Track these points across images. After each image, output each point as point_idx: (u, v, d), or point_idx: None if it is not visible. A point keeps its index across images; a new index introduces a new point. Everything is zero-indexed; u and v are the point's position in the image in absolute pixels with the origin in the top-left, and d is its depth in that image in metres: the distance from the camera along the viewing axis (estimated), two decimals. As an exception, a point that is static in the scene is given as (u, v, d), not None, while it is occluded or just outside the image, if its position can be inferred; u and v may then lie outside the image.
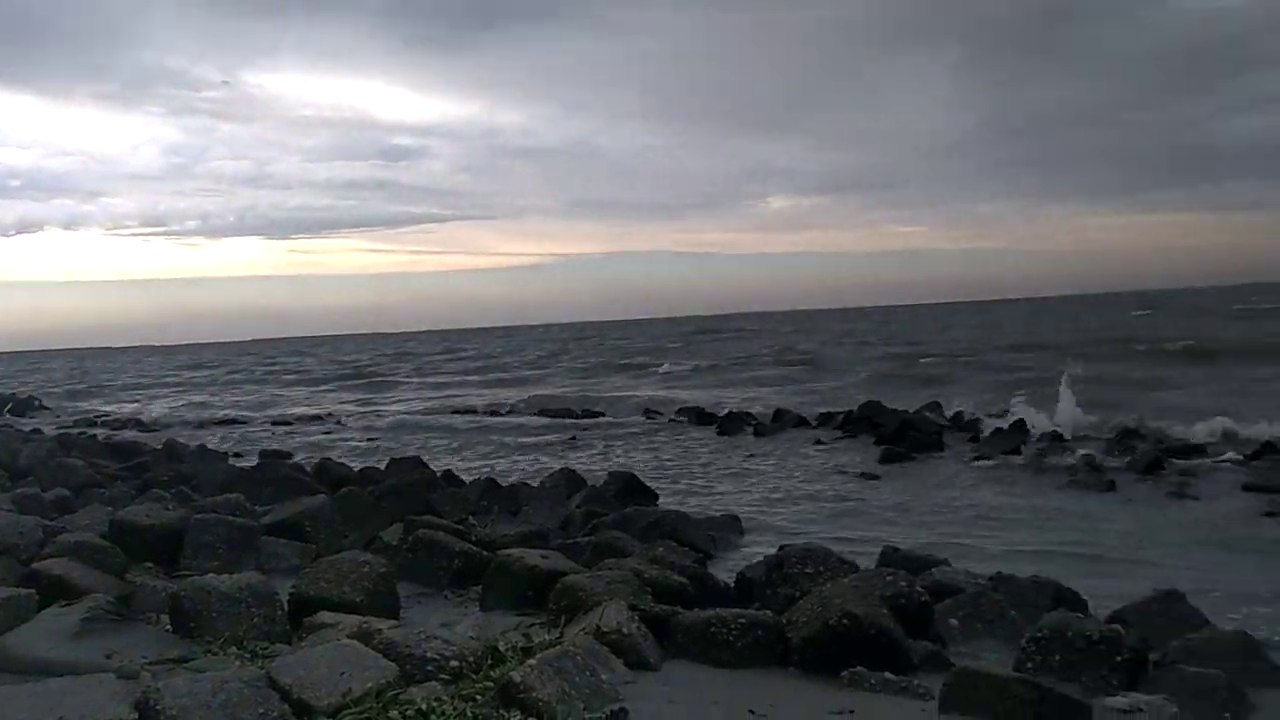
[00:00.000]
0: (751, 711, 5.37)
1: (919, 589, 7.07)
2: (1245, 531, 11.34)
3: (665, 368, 47.15)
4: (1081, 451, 16.54)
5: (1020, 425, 19.90)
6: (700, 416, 25.48)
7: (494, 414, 30.96)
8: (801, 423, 23.40)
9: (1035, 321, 79.43)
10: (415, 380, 51.85)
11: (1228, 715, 5.58)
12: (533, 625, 6.82)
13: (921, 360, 42.19)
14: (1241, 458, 15.77)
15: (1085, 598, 8.01)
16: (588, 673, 5.51)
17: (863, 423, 21.62)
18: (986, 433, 19.53)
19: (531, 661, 5.36)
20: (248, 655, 6.13)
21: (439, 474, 14.99)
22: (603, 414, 28.41)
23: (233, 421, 32.34)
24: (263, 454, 20.92)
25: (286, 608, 6.96)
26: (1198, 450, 16.47)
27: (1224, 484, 14.21)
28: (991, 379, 31.51)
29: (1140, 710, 5.52)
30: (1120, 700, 5.60)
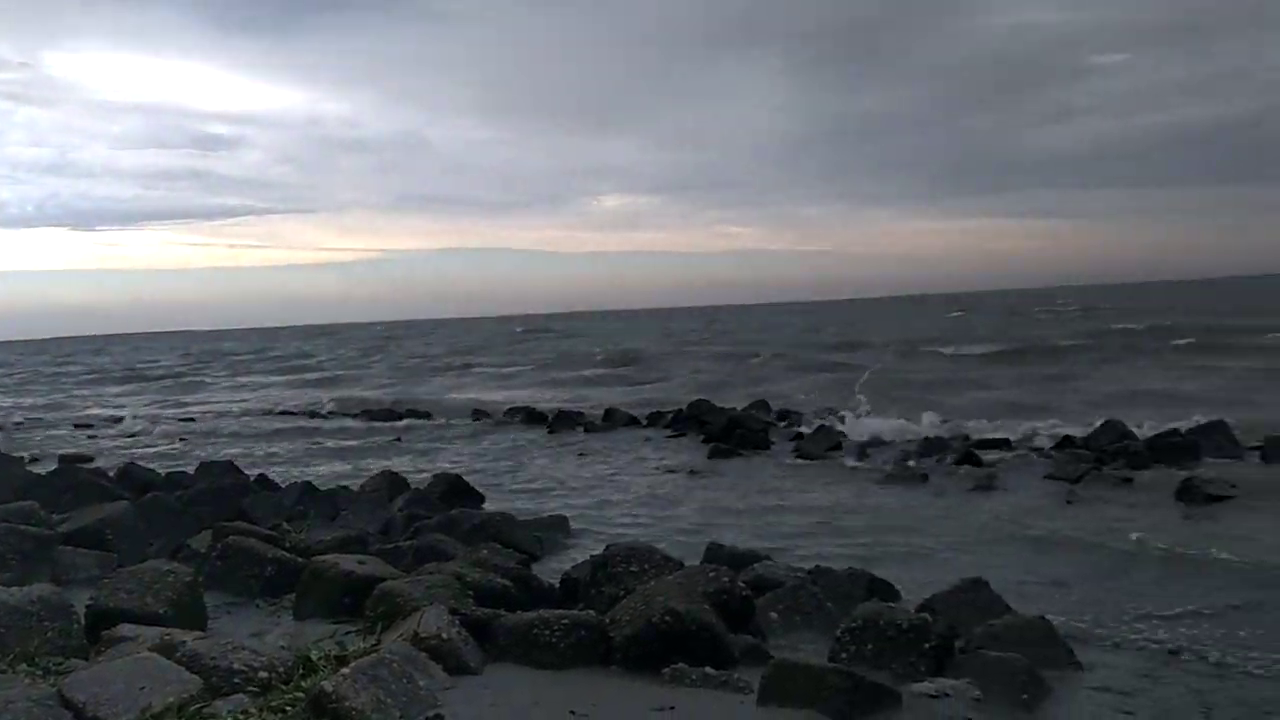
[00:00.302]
0: (572, 712, 5.32)
1: (740, 584, 7.17)
2: (1046, 520, 11.96)
3: (495, 367, 46.74)
4: (898, 448, 17.16)
5: (842, 423, 20.56)
6: (530, 416, 25.34)
7: (314, 415, 30.04)
8: (632, 422, 23.54)
9: (857, 322, 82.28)
10: (228, 381, 49.92)
11: (1025, 696, 5.85)
12: (348, 633, 6.61)
13: (750, 360, 43.11)
14: (1044, 450, 16.65)
15: (898, 588, 8.31)
16: (404, 679, 5.36)
17: (692, 421, 21.92)
18: (810, 430, 20.05)
19: (345, 670, 5.18)
20: (39, 672, 5.71)
21: (253, 478, 14.39)
22: (429, 414, 27.93)
23: (26, 424, 30.35)
24: (61, 459, 19.68)
25: (84, 621, 6.53)
26: (1005, 444, 17.29)
27: (1028, 476, 14.96)
28: (816, 378, 32.42)
29: (946, 695, 5.72)
30: (927, 686, 5.80)
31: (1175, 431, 16.63)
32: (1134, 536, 10.68)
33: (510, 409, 26.83)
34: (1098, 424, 17.32)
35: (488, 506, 13.18)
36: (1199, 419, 17.28)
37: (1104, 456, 15.40)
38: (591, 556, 8.54)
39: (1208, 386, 24.35)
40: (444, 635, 6.12)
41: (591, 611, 6.80)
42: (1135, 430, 16.87)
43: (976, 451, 16.27)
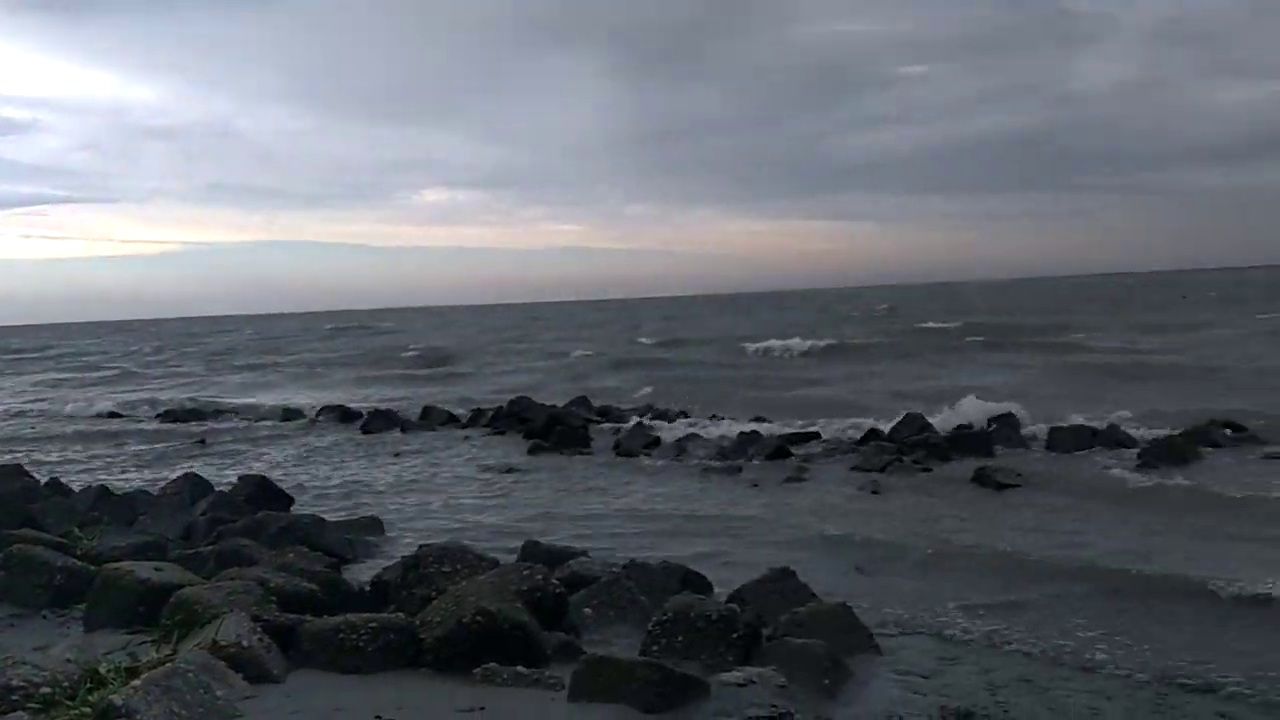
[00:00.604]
0: (378, 716, 5.20)
1: (555, 581, 7.18)
2: (852, 510, 12.44)
3: (308, 365, 45.35)
4: (714, 444, 17.50)
5: (665, 417, 20.84)
6: (345, 415, 24.67)
7: (112, 416, 28.44)
8: (451, 420, 23.22)
9: (678, 319, 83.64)
10: (10, 380, 46.76)
11: (827, 681, 6.05)
12: (143, 644, 6.28)
13: (571, 357, 43.23)
14: (851, 443, 17.28)
15: (711, 579, 8.46)
16: (201, 690, 5.15)
17: (512, 419, 21.78)
18: (630, 427, 20.22)
19: (136, 682, 4.94)
20: None
21: (43, 482, 13.52)
22: (236, 415, 26.86)
23: None
24: None
25: None
26: (815, 438, 17.86)
27: (836, 468, 15.52)
28: (637, 375, 32.76)
29: (753, 682, 5.87)
30: (735, 674, 5.93)
31: (969, 424, 17.56)
32: (931, 525, 11.25)
33: (323, 408, 26.03)
34: (900, 417, 18.08)
35: (297, 509, 12.76)
36: (993, 412, 18.33)
37: (905, 448, 16.11)
38: (403, 558, 8.38)
39: (1003, 381, 25.81)
40: (244, 643, 5.91)
41: (401, 614, 6.68)
42: (934, 423, 17.68)
43: (788, 445, 16.76)
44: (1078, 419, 16.96)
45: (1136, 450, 14.95)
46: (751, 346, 41.23)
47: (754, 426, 18.69)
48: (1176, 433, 15.67)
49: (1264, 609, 7.63)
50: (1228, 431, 16.04)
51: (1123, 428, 16.47)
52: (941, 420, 17.82)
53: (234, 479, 14.24)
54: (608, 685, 5.45)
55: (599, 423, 21.03)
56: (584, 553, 9.24)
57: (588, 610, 7.33)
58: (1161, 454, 14.42)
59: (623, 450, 17.61)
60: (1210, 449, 15.12)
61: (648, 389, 27.32)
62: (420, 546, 8.68)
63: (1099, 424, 16.62)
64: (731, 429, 18.63)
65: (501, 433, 20.87)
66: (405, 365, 44.03)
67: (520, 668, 5.95)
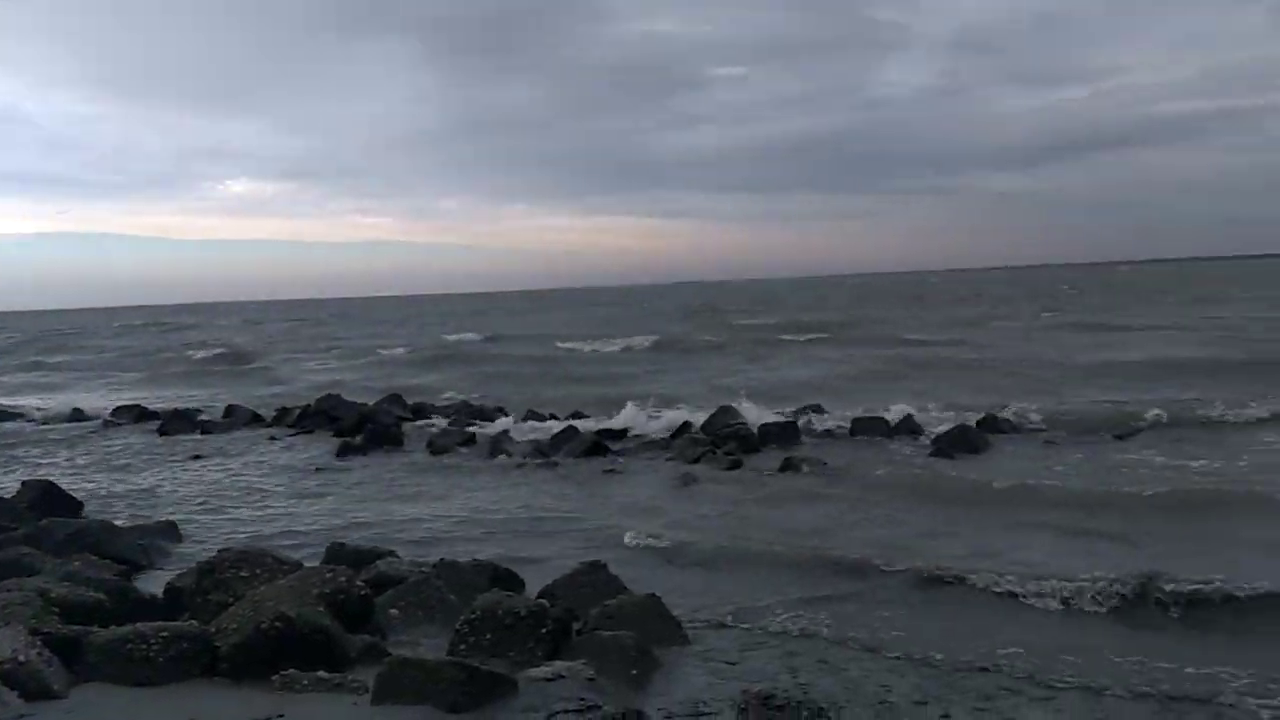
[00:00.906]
0: (168, 730, 4.97)
1: (360, 583, 7.02)
2: (665, 501, 12.63)
3: (103, 366, 42.88)
4: (529, 441, 17.45)
5: (480, 415, 20.63)
6: (140, 416, 23.40)
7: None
8: (255, 419, 22.34)
9: (493, 316, 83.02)
10: None
11: (635, 672, 6.13)
12: (-98, 665, 5.79)
13: (383, 352, 42.35)
14: (666, 438, 17.51)
15: (523, 576, 8.44)
16: (-33, 713, 4.79)
17: (320, 417, 21.11)
18: (445, 425, 19.95)
19: (-109, 709, 4.55)
20: None
21: None
22: (21, 416, 25.12)
23: None
24: None
25: None
26: (629, 433, 18.02)
27: (650, 461, 15.73)
28: (453, 372, 32.38)
29: (562, 677, 5.88)
30: (544, 670, 5.93)
31: (780, 413, 18.10)
32: (741, 517, 11.54)
33: (117, 409, 24.62)
34: (713, 410, 18.45)
35: (86, 515, 12.04)
36: (803, 404, 18.98)
37: (718, 440, 16.47)
38: (199, 563, 8.02)
39: (814, 374, 26.74)
40: (21, 658, 5.54)
41: (195, 622, 6.41)
42: (746, 415, 18.11)
43: (603, 441, 16.87)
44: (879, 410, 17.74)
45: (931, 438, 15.77)
46: (567, 344, 41.32)
47: (570, 423, 18.75)
48: (968, 422, 16.53)
49: (1015, 601, 8.02)
50: (1012, 420, 17.08)
51: (918, 418, 17.29)
52: (754, 413, 18.28)
53: (16, 485, 13.34)
54: (412, 686, 5.36)
55: (412, 420, 20.67)
56: (392, 553, 9.07)
57: (394, 611, 7.20)
58: (953, 442, 15.25)
59: (436, 448, 17.35)
60: (998, 436, 16.08)
61: (463, 386, 27.04)
62: (219, 551, 8.32)
63: (899, 414, 17.40)
64: (547, 426, 18.63)
65: (309, 432, 20.23)
66: (206, 363, 42.18)
67: (322, 672, 5.79)
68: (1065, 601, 7.79)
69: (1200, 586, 7.63)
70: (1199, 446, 14.56)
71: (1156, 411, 16.88)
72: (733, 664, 6.80)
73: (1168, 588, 7.67)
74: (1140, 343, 31.41)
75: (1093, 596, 7.76)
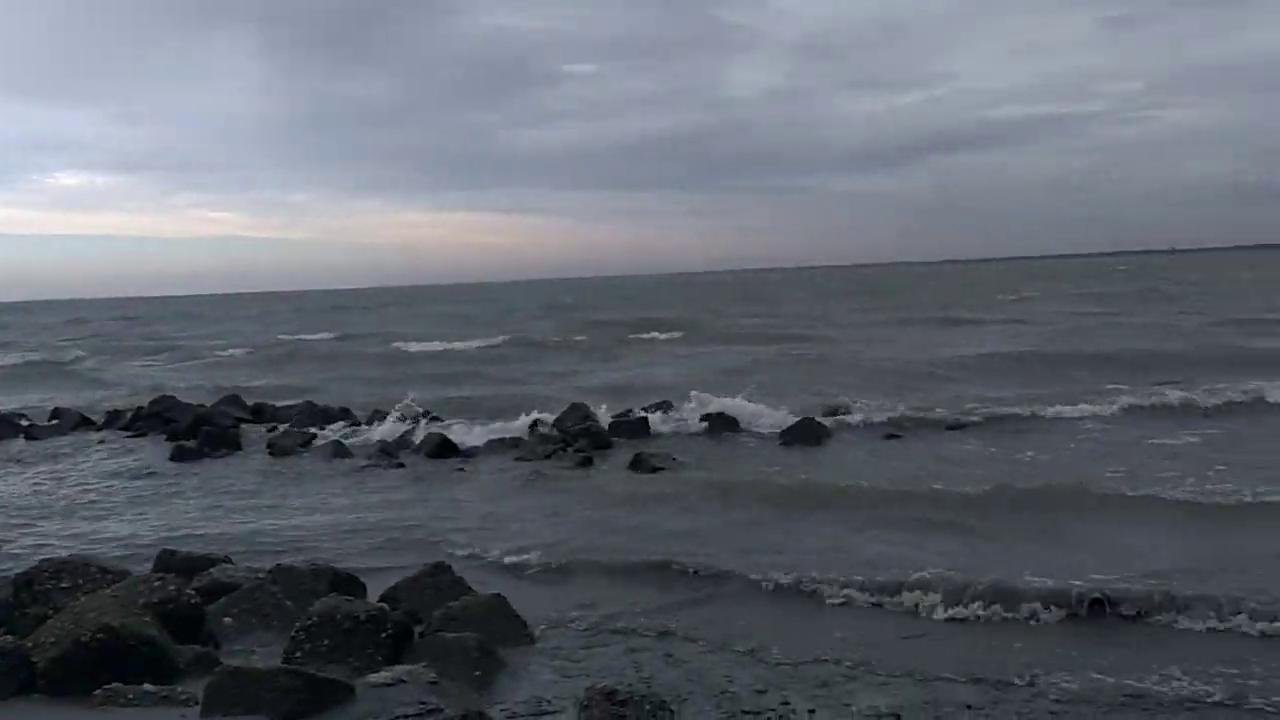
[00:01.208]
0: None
1: (190, 591, 6.77)
2: (512, 500, 12.55)
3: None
4: (375, 441, 17.11)
5: (325, 416, 20.08)
6: (-44, 421, 22.00)
7: None
8: (85, 423, 21.24)
9: (345, 314, 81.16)
10: None
11: (478, 673, 6.07)
12: None
13: (223, 352, 40.95)
14: (516, 436, 17.36)
15: (364, 580, 8.25)
16: None
17: (154, 420, 20.23)
18: (286, 426, 19.37)
19: None
20: None
21: None
22: None
23: None
24: None
25: None
26: (480, 431, 17.80)
27: (500, 460, 15.58)
28: (298, 372, 31.52)
29: (402, 681, 5.77)
30: (384, 675, 5.80)
31: (630, 410, 18.21)
32: (580, 512, 11.55)
33: (-73, 414, 23.08)
34: (564, 409, 18.43)
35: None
36: (655, 400, 19.13)
37: (570, 437, 16.45)
38: (15, 575, 7.58)
39: (668, 371, 26.96)
40: None
41: (11, 636, 6.05)
42: (598, 412, 18.14)
43: (452, 439, 16.66)
44: (730, 404, 17.97)
45: (779, 433, 16.11)
46: (419, 344, 40.61)
47: (418, 424, 18.46)
48: (813, 416, 16.91)
49: (851, 599, 8.19)
50: (850, 414, 17.55)
51: (765, 415, 17.53)
52: (606, 409, 18.33)
53: None
54: (244, 696, 5.19)
55: (252, 423, 20.00)
56: (227, 559, 8.77)
57: (228, 620, 6.96)
58: (799, 437, 15.66)
59: (277, 451, 16.84)
60: (841, 430, 16.52)
61: (308, 387, 26.30)
62: (40, 561, 7.88)
63: (747, 410, 17.63)
64: (395, 427, 18.29)
65: (142, 434, 19.37)
66: (30, 365, 39.91)
67: (148, 685, 5.55)
68: (902, 601, 7.90)
69: (1033, 585, 7.83)
70: (1028, 438, 15.23)
71: (988, 406, 17.61)
72: (578, 662, 6.80)
73: (984, 583, 7.83)
74: (977, 338, 32.80)
75: (928, 596, 7.89)
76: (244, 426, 19.23)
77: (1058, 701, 6.01)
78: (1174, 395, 17.66)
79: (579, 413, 17.90)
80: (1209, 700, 5.95)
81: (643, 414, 17.93)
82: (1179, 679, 6.21)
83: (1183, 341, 28.25)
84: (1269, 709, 5.82)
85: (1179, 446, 14.04)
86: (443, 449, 16.22)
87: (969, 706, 6.00)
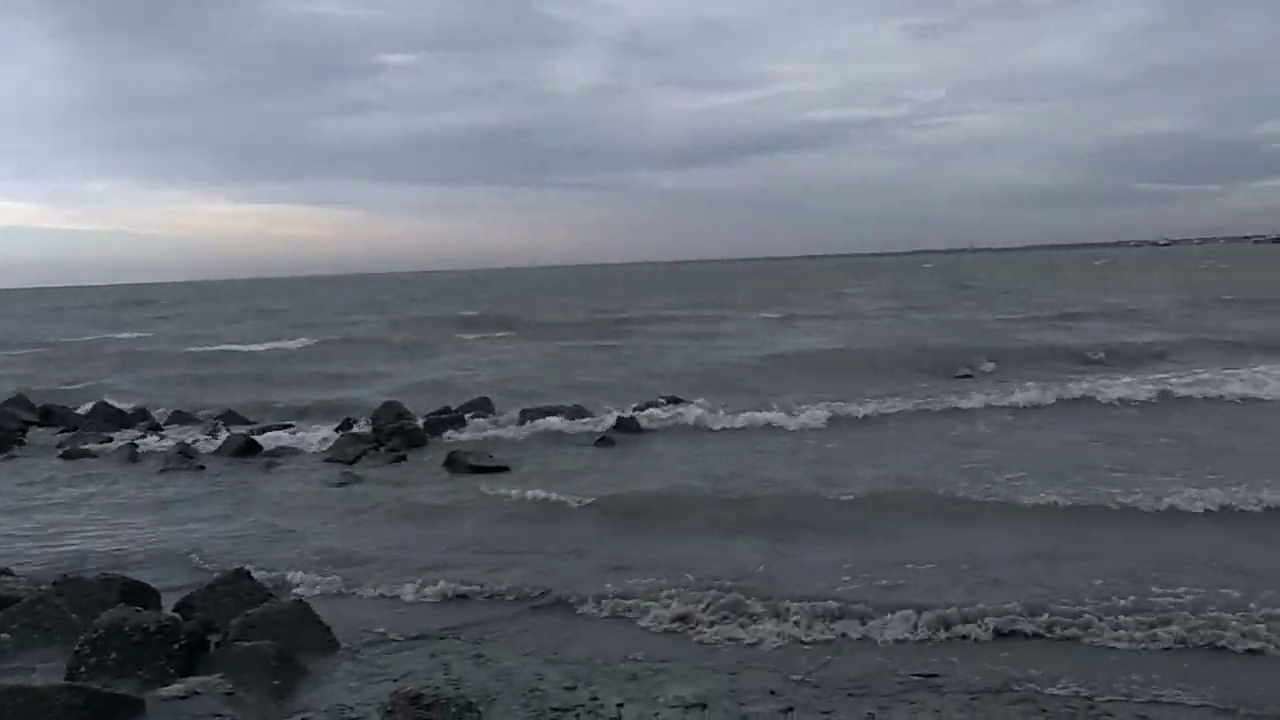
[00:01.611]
0: None
1: (-40, 607, 6.30)
2: (318, 502, 12.20)
3: None
4: (175, 441, 16.37)
5: (120, 418, 19.11)
6: None
7: None
8: None
9: (148, 309, 77.42)
10: None
11: (277, 682, 5.88)
12: None
13: (12, 350, 38.43)
14: (326, 435, 16.89)
15: (158, 589, 7.86)
16: None
17: (-72, 423, 18.80)
18: (81, 428, 18.33)
19: None
20: None
21: None
22: None
23: None
24: None
25: None
26: (288, 432, 17.29)
27: (308, 461, 15.15)
28: (95, 371, 29.83)
29: (196, 694, 5.55)
30: (176, 688, 5.57)
31: (447, 409, 18.00)
32: (395, 514, 11.34)
33: None
34: (378, 407, 18.05)
35: None
36: (473, 398, 18.96)
37: (383, 437, 16.12)
38: None
39: (487, 369, 26.76)
40: None
41: None
42: (411, 410, 17.82)
43: (258, 440, 16.10)
44: (552, 404, 17.90)
45: (598, 433, 16.16)
46: (224, 344, 39.00)
47: (224, 425, 17.78)
48: (625, 414, 17.04)
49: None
50: (672, 407, 17.78)
51: (587, 413, 17.56)
52: (422, 408, 18.05)
53: None
54: (19, 716, 4.87)
55: (40, 425, 18.83)
56: (6, 571, 8.22)
57: (5, 635, 6.52)
58: (616, 434, 15.86)
59: (68, 454, 15.89)
60: (658, 429, 16.65)
61: (104, 388, 24.93)
62: None
63: (556, 408, 17.62)
64: (198, 429, 17.55)
65: (-85, 440, 17.95)
66: None
67: (-93, 712, 5.14)
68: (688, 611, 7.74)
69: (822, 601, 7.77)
70: (856, 436, 15.51)
71: (817, 407, 17.57)
72: (384, 668, 6.66)
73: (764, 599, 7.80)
74: (794, 336, 33.76)
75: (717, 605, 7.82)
76: (31, 429, 18.11)
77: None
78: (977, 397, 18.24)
79: (393, 411, 17.58)
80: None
81: (459, 413, 17.75)
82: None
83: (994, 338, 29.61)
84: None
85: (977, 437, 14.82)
86: (246, 450, 15.66)
87: (772, 693, 6.19)
